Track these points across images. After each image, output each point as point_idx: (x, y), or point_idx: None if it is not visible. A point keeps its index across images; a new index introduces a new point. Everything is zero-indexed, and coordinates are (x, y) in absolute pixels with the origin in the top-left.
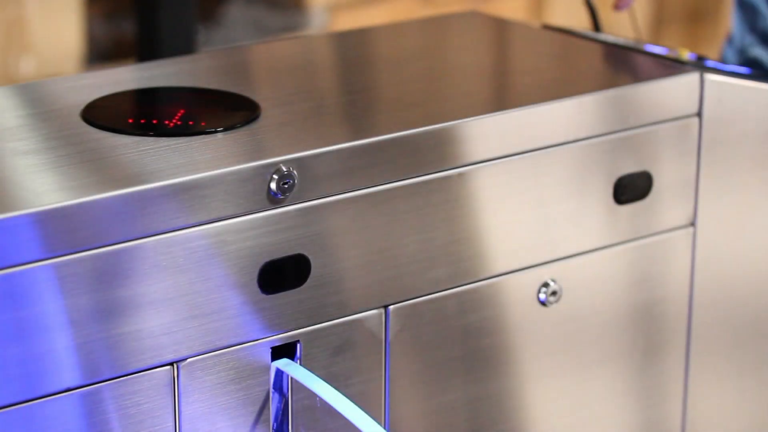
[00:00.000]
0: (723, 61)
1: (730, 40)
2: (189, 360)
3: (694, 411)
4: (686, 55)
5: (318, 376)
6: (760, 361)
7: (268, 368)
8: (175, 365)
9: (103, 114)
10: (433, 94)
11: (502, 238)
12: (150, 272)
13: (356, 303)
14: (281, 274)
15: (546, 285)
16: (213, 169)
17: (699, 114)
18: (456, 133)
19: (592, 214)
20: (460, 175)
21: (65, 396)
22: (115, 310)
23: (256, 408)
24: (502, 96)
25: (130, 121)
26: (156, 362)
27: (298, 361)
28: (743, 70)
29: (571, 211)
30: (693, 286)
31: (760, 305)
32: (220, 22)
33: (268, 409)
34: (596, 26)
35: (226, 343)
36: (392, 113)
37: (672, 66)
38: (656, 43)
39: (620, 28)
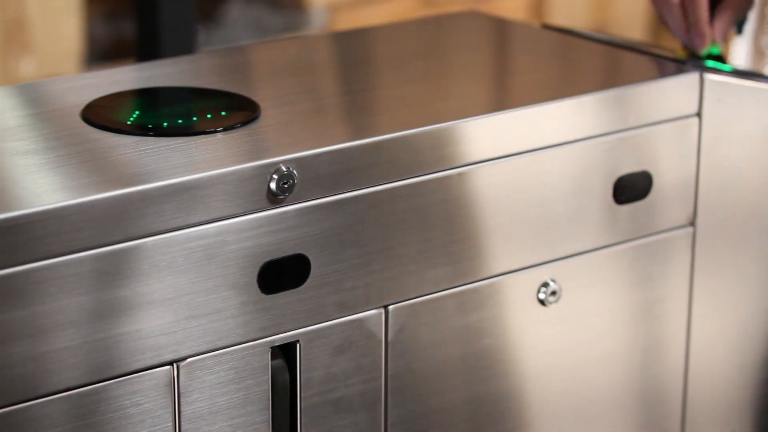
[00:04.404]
0: None
1: None
2: (189, 360)
3: (693, 410)
4: (686, 55)
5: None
6: (760, 361)
7: (268, 368)
8: (174, 365)
9: (103, 114)
10: (433, 94)
11: (502, 238)
12: (150, 272)
13: (356, 303)
14: (281, 274)
15: (546, 285)
16: (213, 169)
17: (699, 114)
18: (456, 133)
19: (592, 214)
20: (460, 175)
21: (65, 396)
22: (115, 310)
23: (256, 408)
24: (502, 96)
25: (130, 121)
26: (156, 362)
27: (298, 361)
28: (743, 70)
29: (571, 211)
30: (693, 285)
31: (760, 305)
32: (220, 22)
33: (268, 409)
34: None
35: (226, 343)
36: (392, 113)
37: (672, 66)
38: (656, 43)
39: (620, 28)
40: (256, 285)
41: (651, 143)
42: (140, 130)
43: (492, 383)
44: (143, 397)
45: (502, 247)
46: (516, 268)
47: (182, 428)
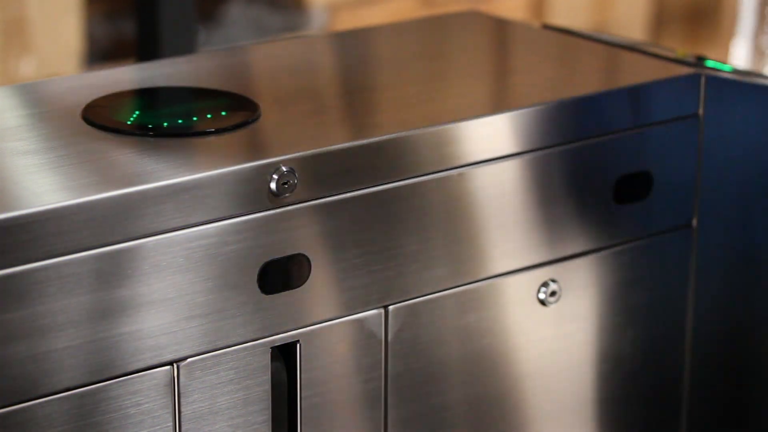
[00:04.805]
0: None
1: None
2: (189, 360)
3: (693, 410)
4: (686, 55)
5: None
6: (761, 362)
7: (268, 368)
8: (175, 365)
9: (103, 114)
10: (433, 94)
11: (502, 238)
12: (150, 272)
13: (356, 303)
14: (281, 274)
15: (546, 285)
16: (213, 169)
17: (699, 114)
18: (456, 133)
19: (592, 214)
20: (460, 175)
21: (65, 396)
22: (115, 310)
23: (256, 408)
24: (502, 96)
25: (130, 121)
26: (156, 362)
27: (299, 361)
28: (743, 70)
29: (571, 211)
30: (693, 286)
31: (760, 301)
32: (220, 22)
33: (268, 409)
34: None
35: (226, 343)
36: (392, 113)
37: (672, 66)
38: (656, 43)
39: (620, 28)
40: (256, 285)
41: (651, 143)
42: (140, 130)
43: (492, 383)
44: (143, 397)
45: (502, 247)
46: (516, 268)
47: (182, 428)
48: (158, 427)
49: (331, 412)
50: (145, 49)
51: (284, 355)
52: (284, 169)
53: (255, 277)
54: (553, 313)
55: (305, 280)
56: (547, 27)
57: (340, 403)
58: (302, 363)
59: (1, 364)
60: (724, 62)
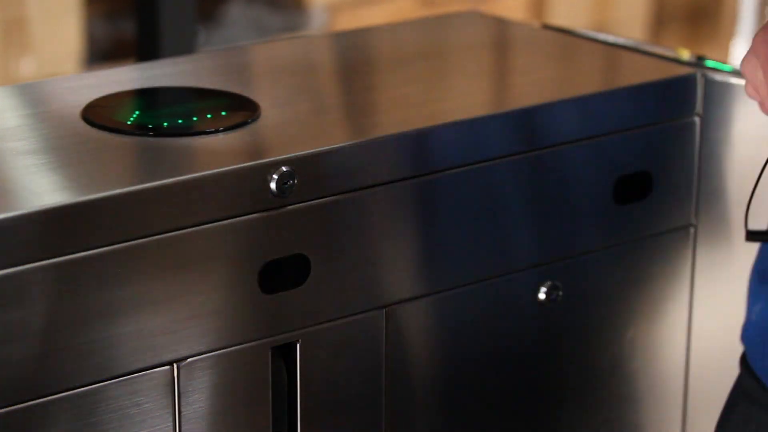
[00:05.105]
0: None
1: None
2: (189, 360)
3: (693, 410)
4: (686, 55)
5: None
6: None
7: (268, 368)
8: (175, 365)
9: (103, 114)
10: (433, 94)
11: (502, 238)
12: (150, 272)
13: (356, 303)
14: (281, 274)
15: (546, 285)
16: (213, 169)
17: (699, 114)
18: (455, 133)
19: (592, 214)
20: (459, 175)
21: (65, 396)
22: (115, 310)
23: (256, 408)
24: (502, 96)
25: (130, 121)
26: (156, 362)
27: (298, 362)
28: None
29: (571, 211)
30: (693, 285)
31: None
32: (220, 22)
33: (268, 409)
34: None
35: (226, 343)
36: (392, 113)
37: (672, 66)
38: (656, 43)
39: (620, 28)
40: (256, 285)
41: (651, 143)
42: (140, 130)
43: (492, 383)
44: (143, 397)
45: (502, 247)
46: (516, 268)
47: (182, 428)
48: (158, 427)
49: (331, 412)
50: (145, 49)
51: (284, 355)
52: (284, 169)
53: (255, 277)
54: (553, 313)
55: (305, 280)
56: (547, 27)
57: (340, 403)
58: (302, 363)
59: (1, 364)
60: (724, 62)
